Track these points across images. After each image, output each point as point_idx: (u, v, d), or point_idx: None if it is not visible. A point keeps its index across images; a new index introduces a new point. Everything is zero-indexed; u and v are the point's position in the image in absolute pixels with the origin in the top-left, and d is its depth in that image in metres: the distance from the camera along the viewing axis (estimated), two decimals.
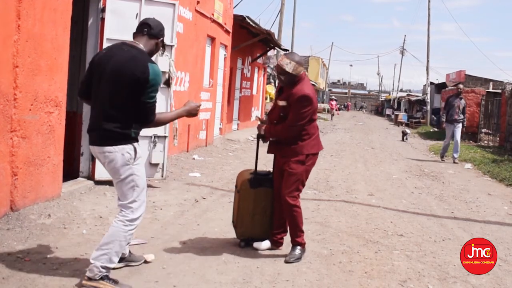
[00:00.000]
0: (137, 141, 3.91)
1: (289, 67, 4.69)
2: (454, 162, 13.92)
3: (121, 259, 4.20)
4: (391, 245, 5.65)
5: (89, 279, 3.79)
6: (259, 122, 5.11)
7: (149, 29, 3.95)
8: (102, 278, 3.78)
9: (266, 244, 5.09)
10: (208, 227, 5.85)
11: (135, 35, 3.99)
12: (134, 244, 4.73)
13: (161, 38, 4.05)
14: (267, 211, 5.08)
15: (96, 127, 3.85)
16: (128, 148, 3.81)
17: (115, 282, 3.84)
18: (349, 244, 5.55)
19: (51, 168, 6.12)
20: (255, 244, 5.08)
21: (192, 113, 4.16)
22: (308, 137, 4.84)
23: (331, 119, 41.48)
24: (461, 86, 14.98)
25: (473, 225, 6.91)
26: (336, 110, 48.75)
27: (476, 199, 8.82)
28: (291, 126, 4.74)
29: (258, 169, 5.21)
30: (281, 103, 4.82)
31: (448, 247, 5.66)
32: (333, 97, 59.61)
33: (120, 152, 3.78)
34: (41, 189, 5.92)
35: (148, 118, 3.84)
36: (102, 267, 3.78)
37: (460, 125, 14.17)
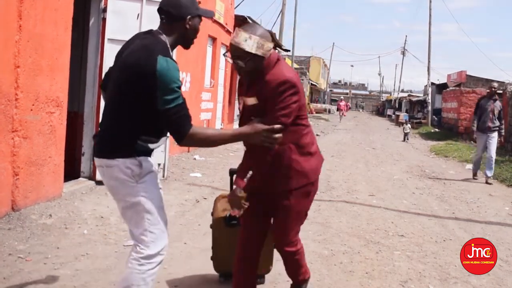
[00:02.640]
0: (146, 154, 2.98)
1: (249, 44, 3.03)
2: (487, 183, 10.80)
3: None
4: (392, 245, 5.65)
5: None
6: None
7: (165, 15, 2.97)
8: None
9: None
10: (209, 227, 5.84)
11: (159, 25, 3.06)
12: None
13: (190, 16, 2.96)
14: None
15: (99, 133, 3.07)
16: (129, 162, 2.89)
17: None
18: (350, 245, 5.55)
19: (52, 168, 6.13)
20: None
21: (256, 138, 3.03)
22: (309, 150, 3.32)
23: (340, 120, 39.92)
24: (495, 84, 11.67)
25: (474, 225, 6.90)
26: (345, 110, 45.48)
27: (477, 200, 8.81)
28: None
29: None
30: (250, 101, 3.21)
31: (449, 248, 5.66)
32: (342, 97, 59.06)
33: (118, 166, 2.89)
34: (42, 189, 5.93)
35: (179, 130, 2.83)
36: None
37: (495, 134, 10.96)
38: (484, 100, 11.16)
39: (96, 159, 3.02)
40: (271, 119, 3.02)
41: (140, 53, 2.84)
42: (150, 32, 2.99)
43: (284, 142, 3.13)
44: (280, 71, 3.10)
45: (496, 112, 10.91)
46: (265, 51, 3.05)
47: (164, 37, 2.93)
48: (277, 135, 3.01)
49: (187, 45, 3.08)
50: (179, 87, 2.82)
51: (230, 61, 3.15)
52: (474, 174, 11.47)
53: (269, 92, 3.07)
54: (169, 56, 2.84)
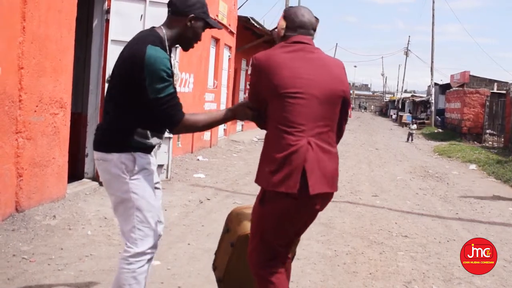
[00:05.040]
0: (142, 151, 2.98)
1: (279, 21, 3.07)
2: None
3: None
4: (395, 246, 5.65)
5: None
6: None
7: (171, 7, 2.99)
8: None
9: None
10: (212, 228, 5.85)
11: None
12: None
13: (192, 15, 2.94)
14: None
15: (99, 126, 3.14)
16: (124, 157, 2.90)
17: None
18: (354, 245, 5.55)
19: (56, 169, 6.14)
20: None
21: (240, 114, 3.02)
22: (262, 156, 2.87)
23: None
24: None
25: (478, 226, 6.89)
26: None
27: (480, 200, 8.80)
28: None
29: None
30: None
31: (452, 248, 5.65)
32: None
33: (113, 160, 2.92)
34: (46, 190, 5.94)
35: (172, 120, 2.85)
36: None
37: None
38: None
39: (94, 152, 3.04)
40: None
41: (133, 44, 2.88)
42: (150, 28, 3.02)
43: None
44: (266, 50, 2.96)
45: None
46: (279, 27, 2.98)
47: (162, 31, 2.95)
48: (253, 112, 2.96)
49: (185, 46, 3.07)
50: (169, 76, 2.81)
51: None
52: None
53: None
54: (159, 46, 2.84)
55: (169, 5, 3.00)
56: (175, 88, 2.87)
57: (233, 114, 2.99)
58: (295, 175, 2.68)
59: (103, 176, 3.00)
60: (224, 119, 3.00)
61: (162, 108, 2.81)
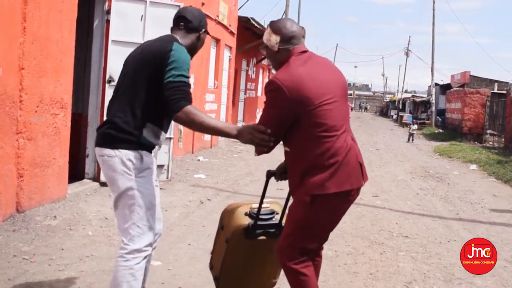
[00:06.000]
0: (148, 149, 3.06)
1: (265, 37, 3.06)
2: None
3: None
4: (396, 246, 5.65)
5: None
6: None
7: (186, 23, 3.22)
8: None
9: None
10: (213, 228, 5.82)
11: (172, 29, 3.30)
12: None
13: (204, 30, 3.29)
14: (266, 268, 3.52)
15: (103, 123, 3.13)
16: (130, 154, 2.97)
17: None
18: (354, 246, 5.55)
19: (56, 169, 6.14)
20: None
21: (246, 137, 2.93)
22: (308, 164, 2.89)
23: None
24: None
25: (479, 226, 6.89)
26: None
27: (481, 200, 8.80)
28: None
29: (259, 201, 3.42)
30: None
31: (453, 249, 5.65)
32: None
33: (119, 157, 2.97)
34: (47, 191, 5.94)
35: (178, 102, 2.87)
36: None
37: None
38: None
39: (97, 149, 3.07)
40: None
41: (159, 42, 3.09)
42: (163, 35, 3.22)
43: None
44: (282, 69, 2.94)
45: None
46: (271, 43, 2.98)
47: (177, 37, 3.18)
48: (264, 136, 2.85)
49: (193, 54, 3.27)
50: (188, 71, 2.99)
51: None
52: None
53: None
54: (182, 44, 3.10)
55: (181, 20, 3.25)
56: (189, 84, 3.00)
57: (237, 134, 2.94)
58: (357, 171, 2.94)
59: (108, 173, 3.03)
60: (226, 133, 2.96)
61: (171, 91, 2.88)
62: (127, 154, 2.97)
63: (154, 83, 2.94)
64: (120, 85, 3.11)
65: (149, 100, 2.98)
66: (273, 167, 3.29)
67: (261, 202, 3.34)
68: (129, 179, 2.97)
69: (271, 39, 2.98)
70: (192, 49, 3.24)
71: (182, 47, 3.04)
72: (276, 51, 2.98)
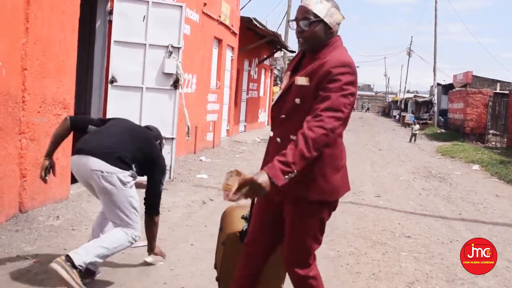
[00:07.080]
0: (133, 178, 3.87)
1: (319, 8, 2.65)
2: None
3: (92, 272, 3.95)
4: (398, 246, 5.64)
5: (72, 265, 3.55)
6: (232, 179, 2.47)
7: None
8: (80, 271, 3.58)
9: None
10: (215, 228, 5.80)
11: None
12: (141, 246, 4.74)
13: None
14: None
15: (105, 141, 3.86)
16: (128, 173, 3.78)
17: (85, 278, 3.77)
18: (357, 246, 5.55)
19: (59, 170, 6.11)
20: None
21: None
22: (342, 164, 2.90)
23: None
24: None
25: (481, 226, 6.89)
26: None
27: (484, 201, 8.80)
28: (326, 123, 2.51)
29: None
30: (300, 80, 2.67)
31: (455, 249, 5.64)
32: None
33: (117, 175, 3.71)
34: (50, 191, 5.95)
35: (156, 200, 4.08)
36: (90, 262, 3.71)
37: None
38: None
39: (102, 164, 3.67)
40: (328, 106, 2.52)
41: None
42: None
43: (336, 134, 2.66)
44: (342, 53, 2.66)
45: None
46: (333, 21, 2.67)
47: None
48: (264, 185, 2.38)
49: None
50: None
51: (293, 26, 2.74)
52: None
53: (325, 73, 2.57)
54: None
55: None
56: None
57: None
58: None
59: (107, 185, 3.67)
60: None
61: (156, 188, 4.13)
62: (123, 172, 3.76)
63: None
64: (128, 126, 4.18)
65: (140, 164, 3.99)
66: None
67: (252, 206, 3.22)
68: (125, 190, 3.78)
69: (336, 17, 2.69)
70: None
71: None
72: (330, 30, 2.69)
